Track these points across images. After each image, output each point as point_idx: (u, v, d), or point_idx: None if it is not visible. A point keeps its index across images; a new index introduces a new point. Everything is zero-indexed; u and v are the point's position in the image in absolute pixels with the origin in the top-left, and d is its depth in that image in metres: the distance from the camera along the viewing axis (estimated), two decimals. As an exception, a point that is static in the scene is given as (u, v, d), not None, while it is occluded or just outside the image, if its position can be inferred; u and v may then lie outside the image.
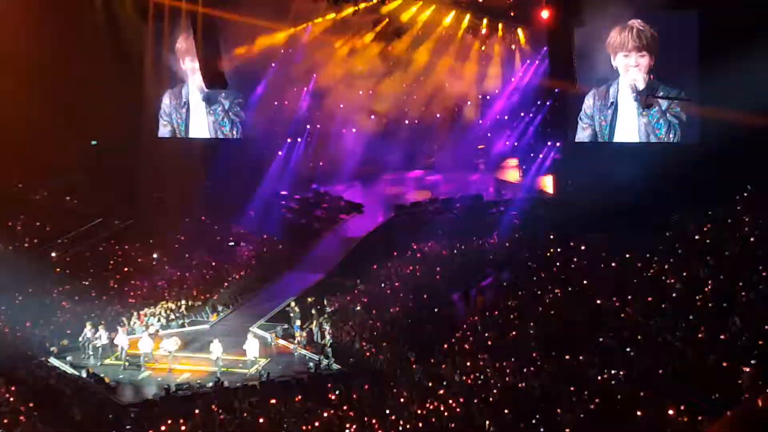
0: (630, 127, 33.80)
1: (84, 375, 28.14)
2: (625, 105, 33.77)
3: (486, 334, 27.35)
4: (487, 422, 21.58)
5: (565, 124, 36.66)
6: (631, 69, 33.14)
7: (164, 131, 41.17)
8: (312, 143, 45.65)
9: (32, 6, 35.52)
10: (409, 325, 29.21)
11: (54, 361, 29.31)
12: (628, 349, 23.47)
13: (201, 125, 41.11)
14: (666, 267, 27.44)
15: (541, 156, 42.24)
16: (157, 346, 29.44)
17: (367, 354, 28.27)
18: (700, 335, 22.82)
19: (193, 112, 41.10)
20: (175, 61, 40.08)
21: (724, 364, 20.99)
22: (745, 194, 29.61)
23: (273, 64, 42.05)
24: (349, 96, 44.11)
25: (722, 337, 22.29)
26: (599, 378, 22.45)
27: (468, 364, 25.19)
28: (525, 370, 23.91)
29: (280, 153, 44.42)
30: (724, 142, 29.45)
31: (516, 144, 44.43)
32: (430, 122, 46.31)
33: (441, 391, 23.89)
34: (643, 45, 32.79)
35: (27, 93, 35.46)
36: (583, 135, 34.74)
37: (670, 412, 19.53)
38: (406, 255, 35.68)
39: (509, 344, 26.11)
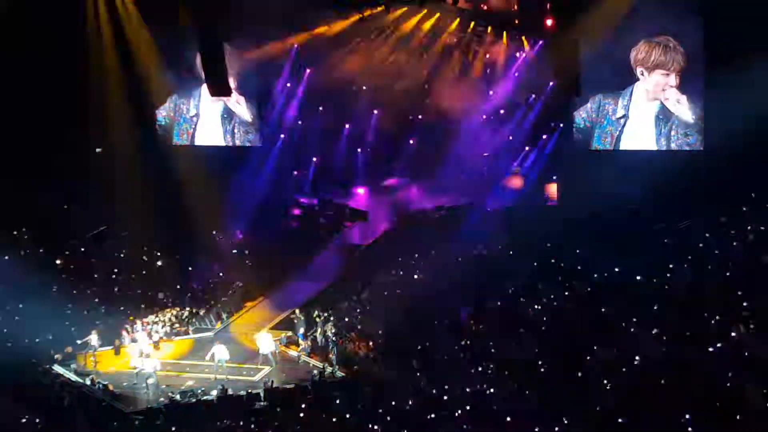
0: (641, 135, 33.73)
1: (88, 382, 28.16)
2: (640, 115, 33.72)
3: (490, 343, 27.32)
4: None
5: (568, 132, 36.61)
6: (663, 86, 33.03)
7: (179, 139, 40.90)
8: (316, 149, 45.46)
9: None
10: (413, 333, 29.18)
11: (58, 369, 29.35)
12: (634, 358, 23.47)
13: (213, 133, 40.93)
14: (670, 275, 27.43)
15: (544, 164, 42.17)
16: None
17: (371, 362, 28.23)
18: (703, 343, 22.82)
19: (204, 119, 40.97)
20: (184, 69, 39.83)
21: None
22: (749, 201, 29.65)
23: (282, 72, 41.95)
24: (351, 103, 44.11)
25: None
26: (603, 386, 22.44)
27: (471, 372, 25.16)
28: (529, 379, 23.89)
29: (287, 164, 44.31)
30: (727, 148, 29.46)
31: (519, 152, 44.28)
32: (434, 130, 46.19)
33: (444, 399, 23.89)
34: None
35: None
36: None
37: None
38: (410, 263, 35.64)
39: (512, 353, 26.07)
